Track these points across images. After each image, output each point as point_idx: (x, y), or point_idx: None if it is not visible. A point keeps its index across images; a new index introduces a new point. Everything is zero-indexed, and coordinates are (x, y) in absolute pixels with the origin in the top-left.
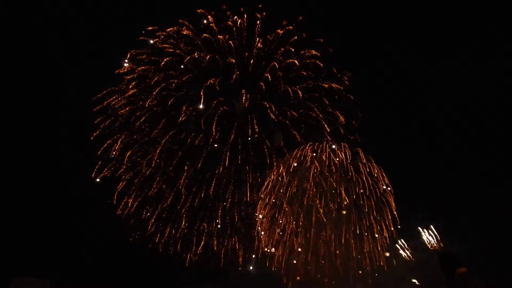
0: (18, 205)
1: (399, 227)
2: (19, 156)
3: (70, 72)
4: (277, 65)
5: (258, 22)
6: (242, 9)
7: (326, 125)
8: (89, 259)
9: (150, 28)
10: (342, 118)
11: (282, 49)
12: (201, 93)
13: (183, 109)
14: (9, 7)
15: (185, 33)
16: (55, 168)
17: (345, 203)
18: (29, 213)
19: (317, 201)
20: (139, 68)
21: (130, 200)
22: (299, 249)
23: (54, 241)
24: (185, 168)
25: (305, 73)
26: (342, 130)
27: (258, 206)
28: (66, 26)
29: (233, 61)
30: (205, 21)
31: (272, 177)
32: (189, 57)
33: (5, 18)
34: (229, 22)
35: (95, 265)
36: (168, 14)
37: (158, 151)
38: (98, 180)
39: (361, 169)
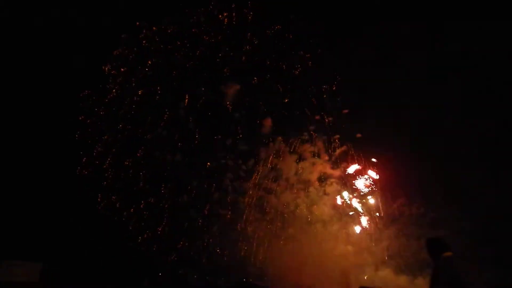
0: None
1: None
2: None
3: (53, 69)
4: (268, 62)
5: (249, 17)
6: (233, 5)
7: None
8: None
9: (138, 23)
10: (327, 120)
11: (271, 48)
12: (186, 96)
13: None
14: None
15: (171, 30)
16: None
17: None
18: (18, 201)
19: (304, 192)
20: (123, 69)
21: (113, 198)
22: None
23: (45, 227)
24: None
25: (296, 72)
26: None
27: (246, 199)
28: (53, 25)
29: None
30: (192, 19)
31: (260, 170)
32: (176, 54)
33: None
34: (220, 16)
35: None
36: (153, 11)
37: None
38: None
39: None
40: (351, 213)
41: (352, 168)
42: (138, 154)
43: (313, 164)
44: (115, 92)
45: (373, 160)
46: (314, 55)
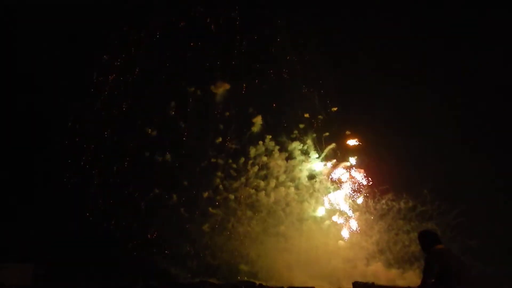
0: None
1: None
2: None
3: (42, 74)
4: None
5: (236, 22)
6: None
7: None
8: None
9: (125, 29)
10: (314, 121)
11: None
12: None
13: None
14: None
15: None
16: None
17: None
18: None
19: (294, 190)
20: (111, 76)
21: (101, 205)
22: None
23: (37, 230)
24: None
25: (286, 77)
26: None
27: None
28: (40, 29)
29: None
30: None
31: (250, 168)
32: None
33: None
34: (207, 19)
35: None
36: (139, 16)
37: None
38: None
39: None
40: (340, 220)
41: (340, 170)
42: (126, 163)
43: (303, 162)
44: (104, 97)
45: (362, 156)
46: (302, 58)
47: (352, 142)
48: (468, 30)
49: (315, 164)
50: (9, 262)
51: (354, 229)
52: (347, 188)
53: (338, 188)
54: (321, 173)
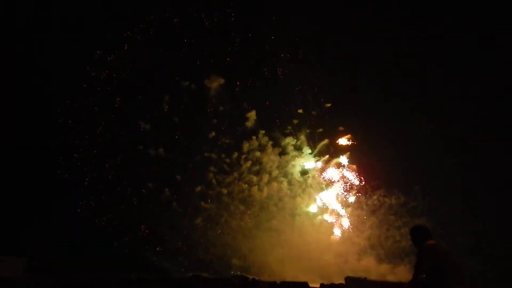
0: None
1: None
2: None
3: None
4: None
5: (232, 18)
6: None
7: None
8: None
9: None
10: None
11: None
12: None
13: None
14: None
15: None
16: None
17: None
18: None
19: (287, 185)
20: (105, 71)
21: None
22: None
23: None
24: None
25: (280, 75)
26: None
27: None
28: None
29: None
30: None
31: (243, 163)
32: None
33: None
34: (202, 15)
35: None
36: (133, 13)
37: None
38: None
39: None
40: (330, 218)
41: (333, 168)
42: (119, 158)
43: (296, 157)
44: (97, 92)
45: (354, 152)
46: (296, 55)
47: (345, 138)
48: (466, 31)
49: (308, 159)
50: (1, 255)
51: (346, 225)
52: (339, 186)
53: (330, 186)
54: (313, 168)
